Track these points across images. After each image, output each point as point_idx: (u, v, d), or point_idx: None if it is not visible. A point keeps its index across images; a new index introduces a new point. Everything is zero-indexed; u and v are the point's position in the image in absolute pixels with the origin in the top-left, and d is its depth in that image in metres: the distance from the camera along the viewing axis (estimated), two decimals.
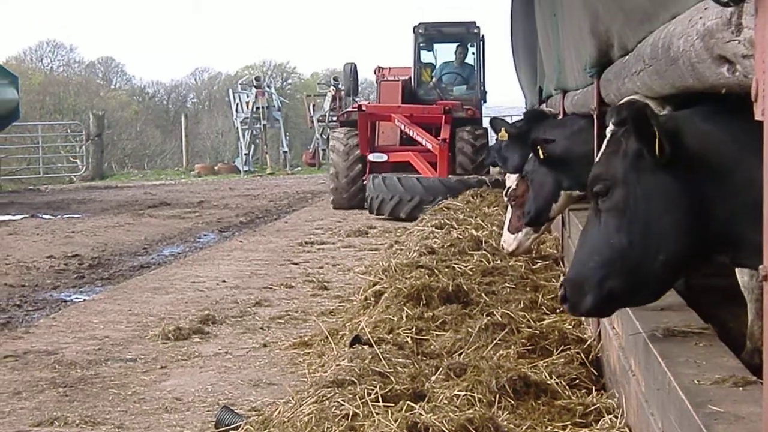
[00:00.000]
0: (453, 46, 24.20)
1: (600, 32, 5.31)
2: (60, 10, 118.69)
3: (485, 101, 24.24)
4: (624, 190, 3.70)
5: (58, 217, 21.16)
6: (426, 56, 24.38)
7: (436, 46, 24.61)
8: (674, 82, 3.39)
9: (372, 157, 20.67)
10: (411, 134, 20.32)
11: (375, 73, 25.75)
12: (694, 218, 3.56)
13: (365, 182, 20.21)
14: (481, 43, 23.71)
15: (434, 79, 23.66)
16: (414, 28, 23.63)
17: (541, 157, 7.52)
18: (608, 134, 3.86)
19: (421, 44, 23.85)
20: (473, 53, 23.98)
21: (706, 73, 2.86)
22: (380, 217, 18.91)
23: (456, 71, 24.05)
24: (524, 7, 14.77)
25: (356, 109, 21.07)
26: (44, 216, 21.34)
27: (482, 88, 23.84)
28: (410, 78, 23.74)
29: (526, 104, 21.57)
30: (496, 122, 9.62)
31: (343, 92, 32.58)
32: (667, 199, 3.60)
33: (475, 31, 23.59)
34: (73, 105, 52.80)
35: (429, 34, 23.82)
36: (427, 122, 20.62)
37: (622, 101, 4.31)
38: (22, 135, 39.79)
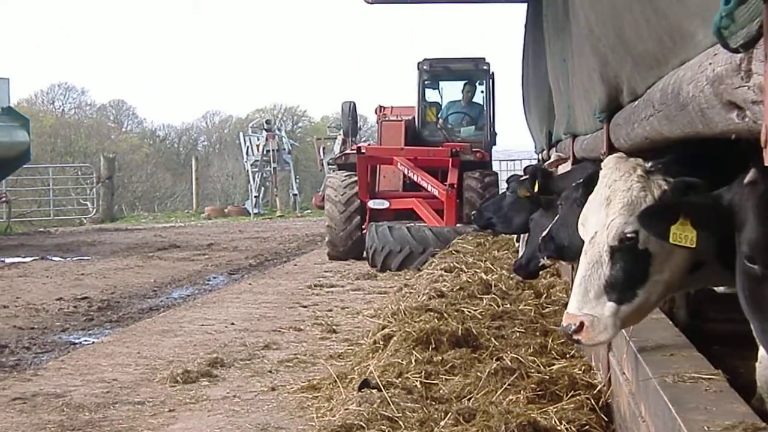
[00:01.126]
0: (460, 83, 22.49)
1: (609, 78, 5.33)
2: (72, 53, 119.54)
3: (495, 143, 22.62)
4: None
5: (68, 259, 21.19)
6: (431, 95, 22.66)
7: (442, 84, 22.93)
8: (684, 128, 3.39)
9: (372, 203, 19.13)
10: (415, 179, 18.83)
11: (376, 112, 23.93)
12: None
13: (365, 232, 18.57)
14: (491, 80, 22.01)
15: (440, 120, 22.03)
16: (418, 64, 21.99)
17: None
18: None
19: (426, 82, 22.22)
20: (482, 92, 22.20)
21: (715, 119, 2.86)
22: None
23: (463, 111, 22.38)
24: (534, 52, 14.82)
25: (355, 152, 19.37)
26: (54, 258, 21.38)
27: (492, 129, 22.13)
28: (414, 118, 22.11)
29: (535, 149, 21.45)
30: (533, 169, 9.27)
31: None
32: None
33: (485, 67, 21.89)
34: (84, 147, 53.09)
35: (434, 71, 22.10)
36: (432, 166, 19.21)
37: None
38: (33, 177, 39.93)
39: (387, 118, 22.45)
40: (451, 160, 18.81)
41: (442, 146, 19.82)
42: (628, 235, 4.17)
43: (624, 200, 4.23)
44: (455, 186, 18.42)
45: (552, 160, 10.68)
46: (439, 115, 22.20)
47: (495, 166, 29.95)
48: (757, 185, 3.12)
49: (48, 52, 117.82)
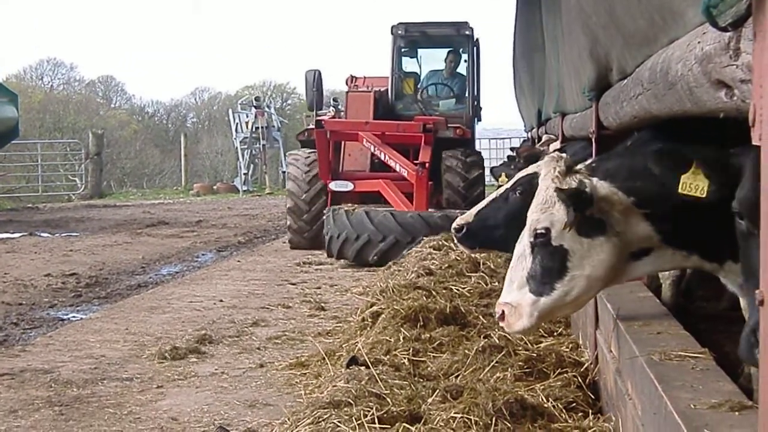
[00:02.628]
0: (439, 51, 20.10)
1: (599, 56, 5.32)
2: (61, 28, 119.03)
3: (480, 119, 20.26)
4: None
5: (57, 235, 21.15)
6: (408, 64, 20.21)
7: (420, 51, 20.37)
8: (672, 106, 3.39)
9: (334, 185, 16.78)
10: (382, 157, 16.50)
11: (347, 83, 21.08)
12: None
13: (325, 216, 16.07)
14: (475, 48, 19.48)
15: (420, 91, 19.65)
16: (392, 28, 19.35)
17: None
18: None
19: (402, 49, 19.61)
20: (465, 60, 19.66)
21: (704, 98, 2.86)
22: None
23: (445, 82, 19.92)
24: (524, 29, 14.80)
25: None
26: (42, 234, 21.33)
27: (476, 102, 19.62)
28: (387, 89, 19.56)
29: (525, 127, 21.30)
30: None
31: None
32: None
33: (467, 32, 19.35)
34: (73, 123, 52.85)
35: (411, 37, 19.42)
36: (404, 143, 16.78)
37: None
38: (21, 153, 39.79)
39: (356, 89, 20.04)
40: (423, 136, 16.34)
41: (414, 121, 17.27)
42: (539, 231, 4.34)
43: (540, 198, 4.40)
44: (427, 165, 16.01)
45: (543, 140, 10.68)
46: (418, 86, 19.90)
47: (484, 145, 29.21)
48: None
49: (37, 27, 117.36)
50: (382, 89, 19.49)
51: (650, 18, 3.69)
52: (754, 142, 2.32)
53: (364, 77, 21.02)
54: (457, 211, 14.73)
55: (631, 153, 4.41)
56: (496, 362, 6.25)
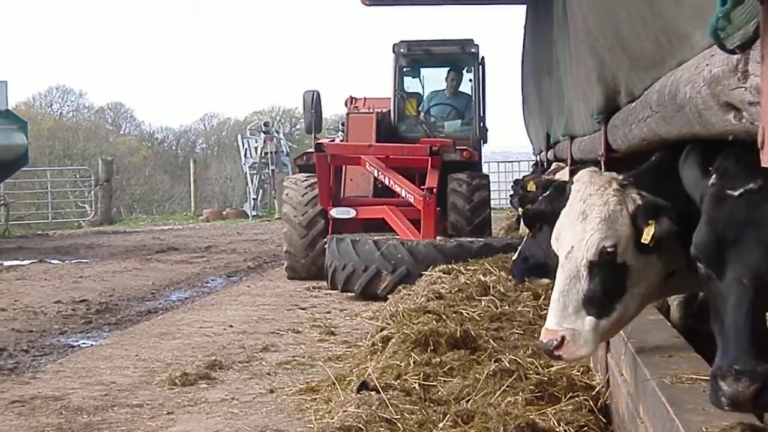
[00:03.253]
0: (442, 71, 19.11)
1: (607, 79, 5.33)
2: (70, 55, 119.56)
3: (485, 141, 19.18)
4: None
5: (67, 262, 21.16)
6: (410, 84, 19.31)
7: (423, 71, 19.48)
8: (681, 129, 3.39)
9: (335, 212, 15.94)
10: (387, 182, 15.63)
11: (346, 105, 20.42)
12: None
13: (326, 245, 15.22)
14: (481, 67, 18.54)
15: (422, 113, 18.80)
16: (394, 47, 18.44)
17: None
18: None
19: (403, 68, 18.72)
20: (470, 80, 18.73)
21: (712, 120, 2.86)
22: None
23: (448, 102, 18.97)
24: (533, 53, 14.81)
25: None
26: (52, 261, 21.34)
27: (482, 124, 18.68)
28: (389, 111, 18.62)
29: (533, 151, 21.26)
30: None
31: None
32: None
33: (473, 50, 18.43)
34: (82, 150, 53.04)
35: (413, 55, 18.55)
36: (409, 166, 16.00)
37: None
38: (31, 180, 39.87)
39: (357, 111, 19.16)
40: (430, 159, 15.53)
41: (419, 143, 16.52)
42: (608, 250, 4.24)
43: (601, 215, 4.28)
44: (435, 191, 15.07)
45: (551, 169, 10.70)
46: (420, 108, 18.98)
47: (492, 168, 28.98)
48: (713, 187, 3.26)
49: (46, 54, 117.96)
50: (384, 110, 18.60)
51: (656, 40, 3.70)
52: (763, 164, 2.32)
53: (365, 98, 20.41)
54: (472, 239, 14.60)
55: (658, 171, 4.38)
56: (507, 386, 6.23)
